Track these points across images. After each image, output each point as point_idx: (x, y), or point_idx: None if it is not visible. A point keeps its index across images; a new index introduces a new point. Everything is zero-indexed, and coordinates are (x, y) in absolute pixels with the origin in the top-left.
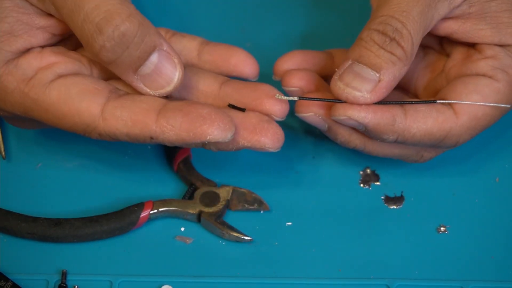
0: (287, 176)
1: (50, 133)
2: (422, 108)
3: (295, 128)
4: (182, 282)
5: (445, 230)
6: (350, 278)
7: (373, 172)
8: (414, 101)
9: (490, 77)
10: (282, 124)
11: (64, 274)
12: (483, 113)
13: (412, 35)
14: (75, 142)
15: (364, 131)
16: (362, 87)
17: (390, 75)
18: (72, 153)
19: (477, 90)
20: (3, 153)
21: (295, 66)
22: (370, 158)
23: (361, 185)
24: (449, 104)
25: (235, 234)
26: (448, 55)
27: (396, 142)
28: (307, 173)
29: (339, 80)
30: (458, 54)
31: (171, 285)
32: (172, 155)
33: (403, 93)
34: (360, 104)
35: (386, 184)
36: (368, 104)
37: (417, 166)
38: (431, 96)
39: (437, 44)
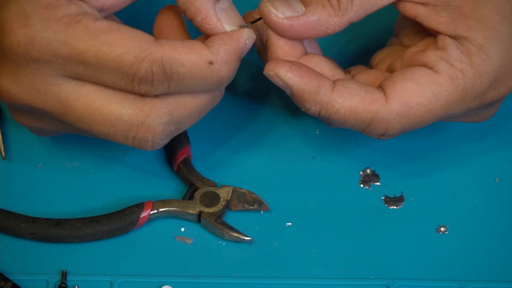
0: (287, 176)
1: None
2: (352, 85)
3: (295, 128)
4: (182, 283)
5: (445, 231)
6: (350, 279)
7: (373, 172)
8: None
9: (431, 67)
10: (281, 124)
11: (64, 275)
12: (417, 103)
13: None
14: (75, 142)
15: (290, 96)
16: (282, 10)
17: (314, 16)
18: (72, 153)
19: (413, 79)
20: (3, 153)
21: None
22: (370, 158)
23: (361, 185)
24: (381, 87)
25: (235, 234)
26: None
27: (320, 116)
28: (307, 173)
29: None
30: (421, 44)
31: (171, 285)
32: (172, 155)
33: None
34: (290, 66)
35: (386, 184)
36: (298, 68)
37: (417, 166)
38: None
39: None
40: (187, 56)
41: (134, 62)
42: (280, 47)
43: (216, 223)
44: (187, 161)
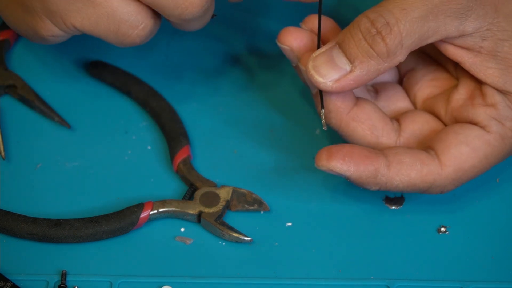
0: (287, 176)
1: (50, 133)
2: (406, 160)
3: (295, 128)
4: (182, 283)
5: (445, 231)
6: (350, 279)
7: None
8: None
9: (483, 127)
10: (281, 124)
11: (64, 275)
12: (470, 166)
13: (402, 35)
14: (75, 142)
15: (347, 180)
16: (328, 75)
17: (363, 69)
18: (72, 153)
19: (467, 142)
20: (3, 153)
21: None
22: None
23: None
24: (436, 153)
25: (235, 234)
26: (457, 79)
27: (380, 190)
28: (307, 173)
29: (311, 61)
30: (464, 88)
31: (171, 286)
32: (172, 155)
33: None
34: (343, 157)
35: None
36: (351, 156)
37: None
38: (426, 110)
39: (451, 65)
40: None
41: None
42: (332, 102)
43: (216, 223)
44: (187, 161)
